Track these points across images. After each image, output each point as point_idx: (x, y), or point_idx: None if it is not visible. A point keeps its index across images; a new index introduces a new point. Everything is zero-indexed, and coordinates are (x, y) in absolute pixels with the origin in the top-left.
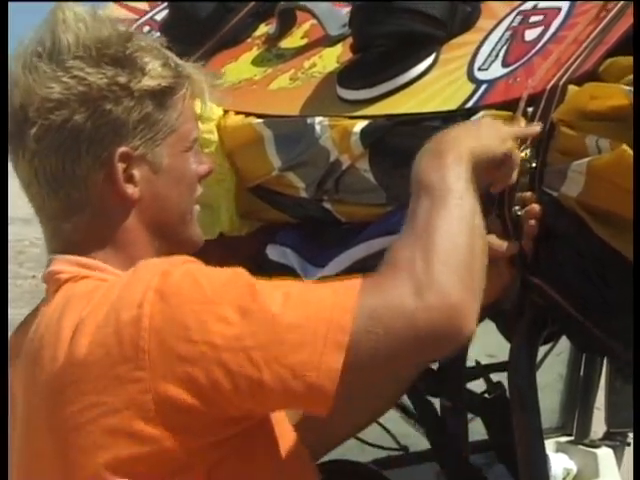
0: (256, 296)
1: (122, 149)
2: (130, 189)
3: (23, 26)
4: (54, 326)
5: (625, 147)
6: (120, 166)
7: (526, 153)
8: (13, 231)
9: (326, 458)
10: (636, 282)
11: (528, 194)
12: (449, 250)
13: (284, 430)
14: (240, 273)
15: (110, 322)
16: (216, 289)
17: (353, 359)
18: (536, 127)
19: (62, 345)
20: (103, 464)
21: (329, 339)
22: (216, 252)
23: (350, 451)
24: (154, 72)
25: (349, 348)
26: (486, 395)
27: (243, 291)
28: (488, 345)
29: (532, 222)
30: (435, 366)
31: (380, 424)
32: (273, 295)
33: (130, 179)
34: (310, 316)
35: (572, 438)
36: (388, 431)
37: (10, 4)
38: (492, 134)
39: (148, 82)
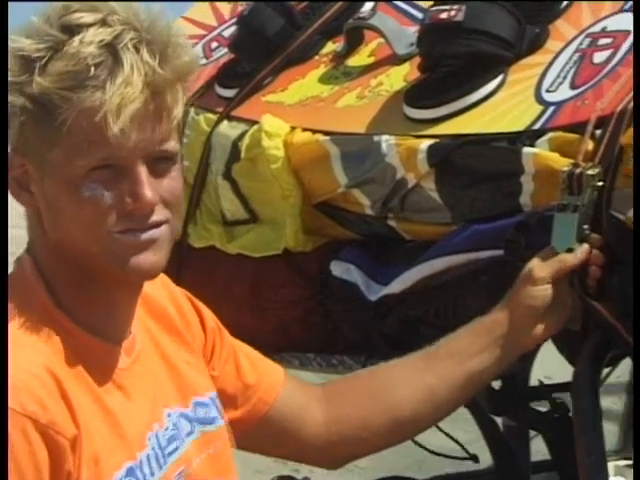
0: None
1: (14, 155)
2: (23, 196)
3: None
4: None
5: None
6: (16, 171)
7: (594, 170)
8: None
9: (380, 475)
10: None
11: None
12: None
13: None
14: None
15: None
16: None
17: None
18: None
19: None
20: None
21: None
22: (281, 268)
23: (408, 469)
24: (53, 71)
25: None
26: (551, 414)
27: None
28: (546, 367)
29: (596, 251)
30: (497, 385)
31: (446, 433)
32: None
33: (26, 186)
34: None
35: (631, 462)
36: (456, 440)
37: (10, 4)
38: None
39: (40, 83)
